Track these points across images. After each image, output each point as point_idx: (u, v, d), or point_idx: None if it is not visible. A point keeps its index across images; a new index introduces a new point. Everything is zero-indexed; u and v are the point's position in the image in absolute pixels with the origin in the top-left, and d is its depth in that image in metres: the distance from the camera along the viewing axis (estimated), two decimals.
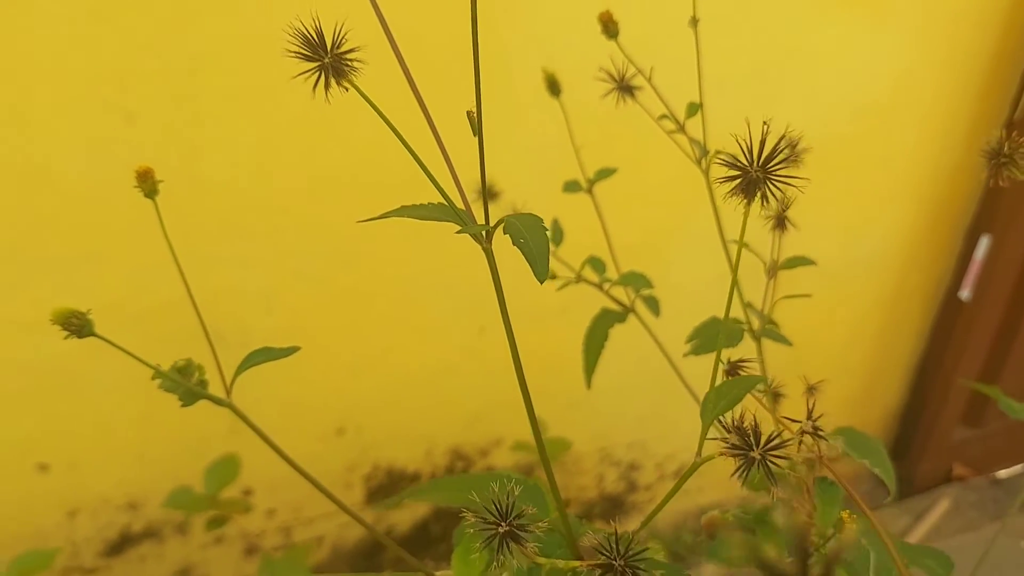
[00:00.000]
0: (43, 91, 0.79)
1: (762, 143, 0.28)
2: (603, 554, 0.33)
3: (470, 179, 0.39)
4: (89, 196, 0.85)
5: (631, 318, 0.50)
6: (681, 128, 0.40)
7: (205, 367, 0.49)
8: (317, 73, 0.32)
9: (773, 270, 0.44)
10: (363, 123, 0.93)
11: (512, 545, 0.32)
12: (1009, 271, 1.40)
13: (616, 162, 0.50)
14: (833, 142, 1.26)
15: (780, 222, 0.44)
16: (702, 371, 0.59)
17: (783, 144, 0.28)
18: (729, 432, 0.29)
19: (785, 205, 0.44)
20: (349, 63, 0.33)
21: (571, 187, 0.49)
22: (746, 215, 0.30)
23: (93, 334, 0.43)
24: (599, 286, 0.50)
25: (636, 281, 0.46)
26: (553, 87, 0.46)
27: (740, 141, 0.28)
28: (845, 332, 1.48)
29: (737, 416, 0.30)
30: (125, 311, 0.90)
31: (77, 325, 0.41)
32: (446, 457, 1.23)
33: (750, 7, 1.08)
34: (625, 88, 0.42)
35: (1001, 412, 1.61)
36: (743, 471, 0.29)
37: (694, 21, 0.43)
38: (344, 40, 0.33)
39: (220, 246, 0.93)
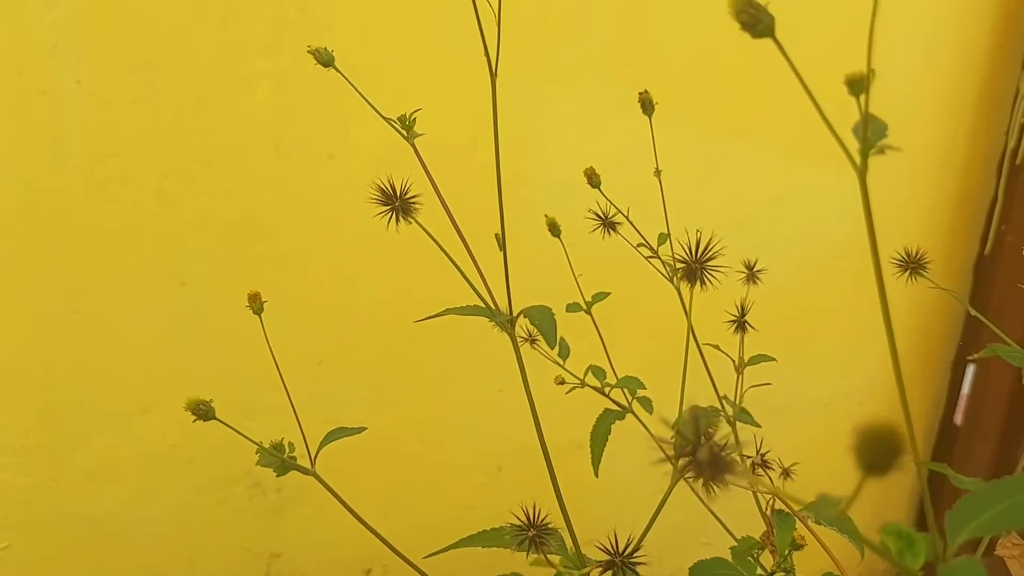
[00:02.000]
0: (115, 263, 0.90)
1: (697, 244, 0.39)
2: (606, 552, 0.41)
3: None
4: (150, 352, 0.95)
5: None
6: (655, 254, 0.51)
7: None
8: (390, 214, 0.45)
9: (740, 367, 0.54)
10: (391, 280, 1.04)
11: None
12: (998, 396, 1.47)
13: (611, 287, 0.60)
14: (824, 280, 1.36)
15: (741, 325, 0.54)
16: None
17: (712, 245, 0.39)
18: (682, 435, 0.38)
19: (744, 311, 0.54)
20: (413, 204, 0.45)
21: (573, 308, 0.58)
22: (690, 301, 0.40)
23: (215, 418, 0.52)
24: (600, 390, 0.59)
25: (631, 384, 0.55)
26: (554, 229, 0.57)
27: (682, 244, 0.39)
28: (848, 465, 1.54)
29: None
30: (180, 455, 0.99)
31: (204, 411, 0.51)
32: None
33: (731, 164, 1.20)
34: (609, 224, 0.53)
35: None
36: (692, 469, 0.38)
37: (658, 171, 0.54)
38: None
39: (256, 396, 1.02)
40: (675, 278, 0.51)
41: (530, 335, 0.57)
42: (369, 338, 1.07)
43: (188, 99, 0.90)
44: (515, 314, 0.49)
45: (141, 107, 0.88)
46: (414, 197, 0.49)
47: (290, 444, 0.55)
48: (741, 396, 0.56)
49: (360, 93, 0.53)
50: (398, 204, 0.48)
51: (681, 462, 0.20)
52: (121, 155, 0.88)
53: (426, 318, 0.53)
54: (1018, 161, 1.31)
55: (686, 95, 1.14)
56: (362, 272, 1.03)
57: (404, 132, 0.51)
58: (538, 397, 0.59)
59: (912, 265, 0.54)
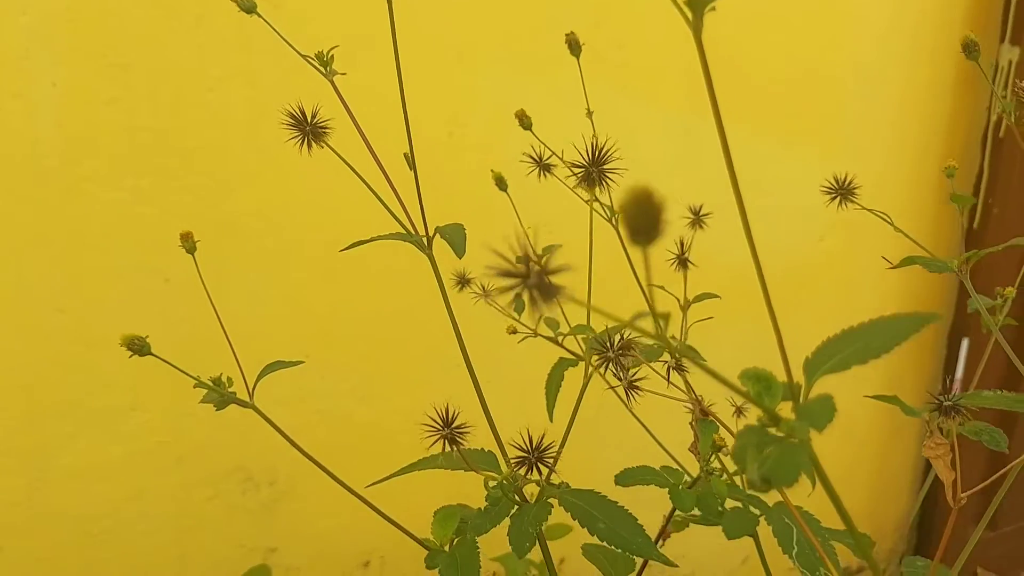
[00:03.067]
0: (98, 262, 0.91)
1: (593, 149, 0.41)
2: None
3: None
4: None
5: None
6: (596, 198, 0.52)
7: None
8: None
9: (685, 305, 0.55)
10: (374, 274, 1.05)
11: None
12: (993, 369, 1.47)
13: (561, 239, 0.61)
14: (808, 261, 1.37)
15: (682, 262, 0.55)
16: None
17: (608, 149, 0.41)
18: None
19: (684, 248, 0.55)
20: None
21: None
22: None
23: (152, 354, 0.57)
24: (554, 339, 0.60)
25: (584, 331, 0.56)
26: (500, 183, 0.58)
27: (579, 150, 0.41)
28: (850, 450, 1.54)
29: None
30: (169, 452, 0.99)
31: (138, 346, 0.51)
32: None
33: (712, 145, 1.21)
34: (544, 167, 0.54)
35: (1016, 513, 1.63)
36: (602, 366, 0.41)
37: (589, 113, 0.56)
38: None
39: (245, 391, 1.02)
40: (612, 219, 0.53)
41: (479, 288, 0.59)
42: (354, 331, 1.07)
43: (164, 99, 0.90)
44: (431, 234, 0.52)
45: (117, 107, 0.89)
46: (324, 122, 0.51)
47: (228, 379, 0.55)
48: (686, 333, 0.57)
49: (277, 31, 0.55)
50: (308, 129, 0.50)
51: (507, 283, 0.21)
52: (98, 156, 0.89)
53: (350, 246, 0.58)
54: (1001, 134, 1.32)
55: (664, 76, 1.15)
56: (344, 267, 1.03)
57: (322, 69, 0.52)
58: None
59: (841, 192, 0.55)
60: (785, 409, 0.27)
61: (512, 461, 0.45)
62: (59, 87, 0.86)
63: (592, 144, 0.43)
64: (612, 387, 0.48)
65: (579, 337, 0.58)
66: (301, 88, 0.96)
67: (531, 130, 0.57)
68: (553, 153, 0.51)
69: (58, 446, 0.95)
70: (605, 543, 0.47)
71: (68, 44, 0.85)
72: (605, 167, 0.43)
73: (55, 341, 0.92)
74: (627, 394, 0.46)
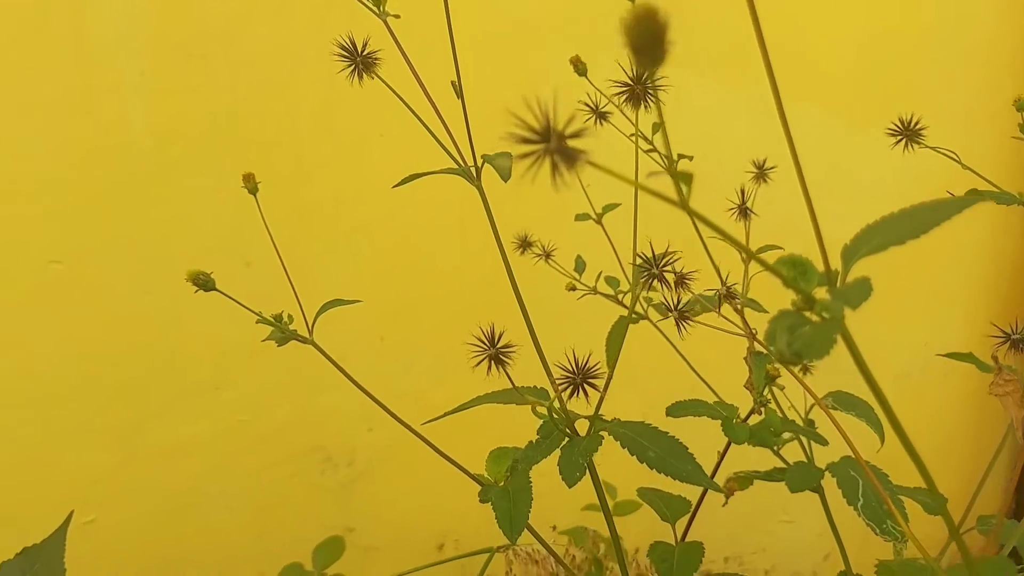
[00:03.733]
0: (182, 245, 0.95)
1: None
2: (565, 372, 0.42)
3: None
4: (219, 331, 0.99)
5: None
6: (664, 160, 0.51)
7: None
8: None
9: (747, 258, 0.54)
10: (447, 255, 1.06)
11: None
12: None
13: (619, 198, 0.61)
14: (892, 251, 1.33)
15: (743, 212, 0.54)
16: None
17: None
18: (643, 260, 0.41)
19: (744, 197, 0.54)
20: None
21: (581, 217, 0.59)
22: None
23: (216, 289, 0.59)
24: (615, 297, 0.60)
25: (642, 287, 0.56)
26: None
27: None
28: (936, 440, 1.49)
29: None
30: (250, 431, 1.03)
31: (203, 281, 0.52)
32: None
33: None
34: (600, 115, 0.53)
35: None
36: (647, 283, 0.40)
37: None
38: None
39: (323, 371, 1.05)
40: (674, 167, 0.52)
41: (530, 245, 0.59)
42: (429, 312, 1.09)
43: (242, 88, 0.93)
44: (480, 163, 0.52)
45: (199, 95, 0.92)
46: (375, 53, 0.52)
47: (289, 316, 0.57)
48: (747, 285, 0.56)
49: None
50: (359, 60, 0.51)
51: (528, 149, 0.21)
52: (183, 143, 0.93)
53: (402, 181, 0.59)
54: None
55: (736, 59, 1.13)
56: (417, 248, 1.05)
57: (375, 9, 0.54)
58: None
59: (907, 133, 0.53)
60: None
61: (557, 382, 0.45)
62: (147, 76, 0.89)
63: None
64: (655, 322, 0.48)
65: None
66: (379, 73, 0.98)
67: (586, 76, 0.56)
68: (609, 100, 0.51)
69: (145, 424, 0.99)
70: (656, 470, 0.47)
71: (152, 36, 0.89)
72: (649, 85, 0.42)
73: (142, 321, 0.96)
74: (678, 326, 0.45)
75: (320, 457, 1.09)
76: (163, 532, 1.03)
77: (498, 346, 0.44)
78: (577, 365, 0.43)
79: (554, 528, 1.01)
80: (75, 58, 0.87)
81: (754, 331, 0.54)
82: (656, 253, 0.41)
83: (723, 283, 0.49)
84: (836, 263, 0.26)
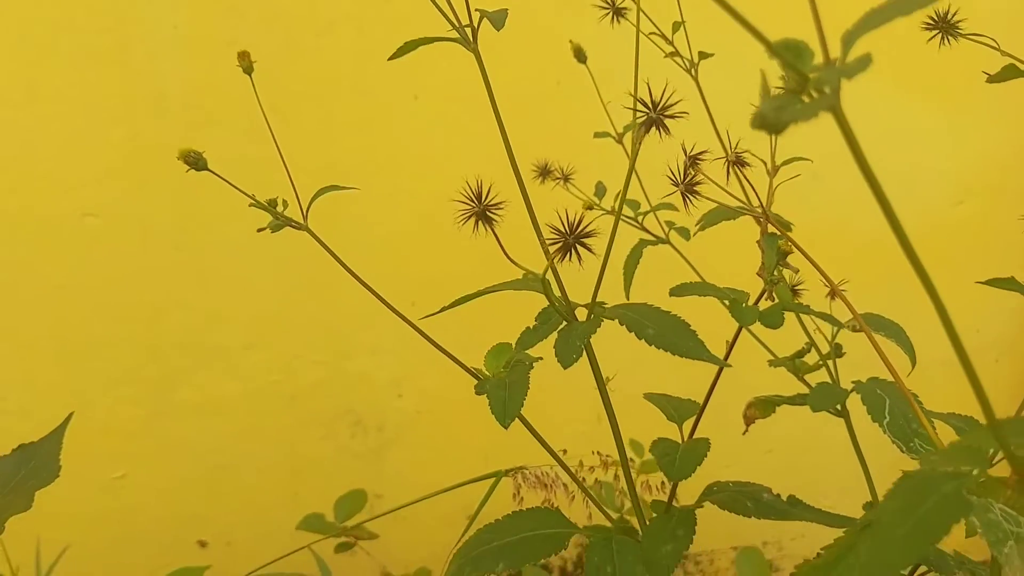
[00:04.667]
0: (212, 201, 0.95)
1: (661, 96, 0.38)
2: (556, 232, 0.40)
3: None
4: (252, 291, 0.99)
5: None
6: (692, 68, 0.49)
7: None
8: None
9: (773, 170, 0.52)
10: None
11: None
12: None
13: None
14: (943, 225, 1.29)
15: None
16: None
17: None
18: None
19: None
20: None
21: (600, 135, 0.58)
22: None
23: (208, 169, 0.59)
24: (633, 219, 0.58)
25: (662, 207, 0.54)
26: (579, 54, 0.56)
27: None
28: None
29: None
30: (282, 391, 1.03)
31: (194, 159, 0.52)
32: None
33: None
34: (616, 11, 0.51)
35: None
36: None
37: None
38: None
39: (354, 336, 1.04)
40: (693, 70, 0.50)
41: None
42: (459, 280, 1.08)
43: (276, 42, 0.93)
44: (476, 23, 0.50)
45: (232, 50, 0.92)
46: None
47: (284, 201, 0.56)
48: (772, 197, 0.54)
49: None
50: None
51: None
52: (216, 96, 0.93)
53: (396, 54, 0.56)
54: None
55: (776, 23, 1.10)
56: (448, 212, 1.04)
57: None
58: None
59: (943, 25, 0.50)
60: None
61: (547, 242, 0.43)
62: (180, 30, 0.90)
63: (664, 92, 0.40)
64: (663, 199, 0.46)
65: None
66: (409, 33, 0.97)
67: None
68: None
69: (177, 379, 0.99)
70: (655, 346, 0.45)
71: None
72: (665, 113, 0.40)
73: (174, 278, 0.96)
74: (684, 198, 0.43)
75: (351, 420, 1.09)
76: (193, 491, 1.04)
77: (485, 202, 0.42)
78: (569, 224, 0.41)
79: (564, 452, 1.00)
80: (110, 11, 0.88)
81: (764, 206, 0.52)
82: (655, 98, 0.38)
83: (731, 149, 0.46)
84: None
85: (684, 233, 0.56)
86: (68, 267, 0.93)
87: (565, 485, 0.72)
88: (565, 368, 0.46)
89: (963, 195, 1.28)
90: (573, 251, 0.41)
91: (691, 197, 0.43)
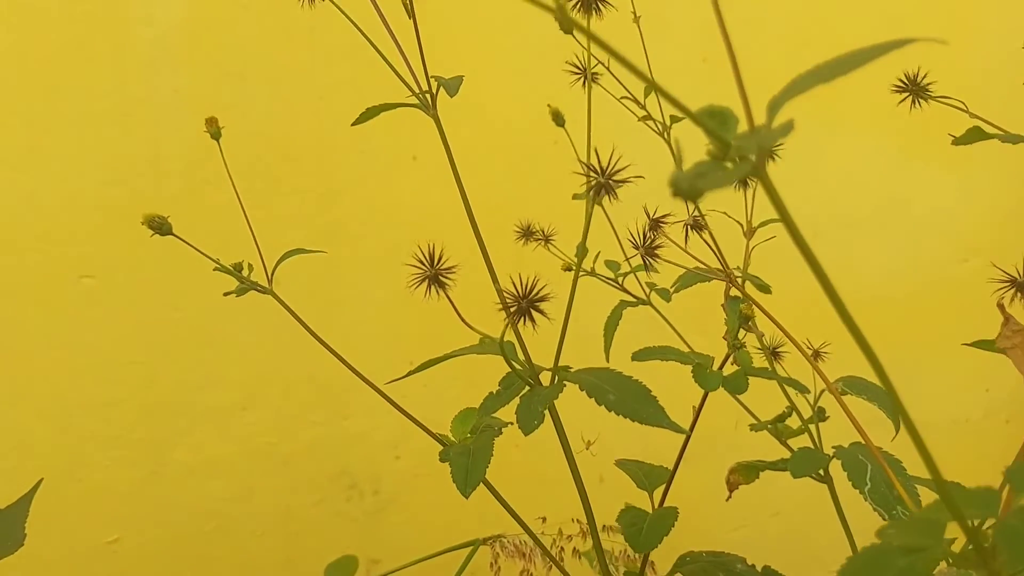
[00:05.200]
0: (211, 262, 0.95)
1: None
2: (511, 295, 0.39)
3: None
4: (247, 351, 0.99)
5: None
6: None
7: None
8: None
9: (749, 232, 0.51)
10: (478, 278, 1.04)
11: None
12: None
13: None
14: (949, 284, 1.27)
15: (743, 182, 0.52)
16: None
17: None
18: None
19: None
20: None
21: (579, 196, 0.57)
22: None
23: (172, 234, 0.61)
24: (614, 280, 0.57)
25: (641, 268, 0.53)
26: (557, 118, 0.56)
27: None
28: (995, 483, 1.41)
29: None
30: (277, 453, 1.02)
31: (158, 224, 0.52)
32: None
33: (835, 159, 1.15)
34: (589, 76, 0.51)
35: None
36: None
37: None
38: None
39: (350, 396, 1.04)
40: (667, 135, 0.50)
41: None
42: (458, 338, 1.07)
43: (276, 106, 0.94)
44: (434, 90, 0.50)
45: (232, 113, 0.93)
46: None
47: (249, 265, 0.56)
48: (748, 259, 0.53)
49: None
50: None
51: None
52: (215, 159, 0.93)
53: (359, 119, 0.59)
54: None
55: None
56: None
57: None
58: None
59: (914, 88, 0.50)
60: None
61: (503, 307, 0.42)
62: (180, 94, 0.91)
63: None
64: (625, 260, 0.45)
65: None
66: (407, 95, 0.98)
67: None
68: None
69: (173, 441, 0.98)
70: (615, 413, 0.44)
71: (188, 53, 0.91)
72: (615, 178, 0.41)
73: (172, 338, 0.96)
74: (644, 261, 0.42)
75: (346, 483, 1.07)
76: (187, 554, 1.02)
77: (438, 266, 0.42)
78: (523, 288, 0.41)
79: (543, 520, 0.98)
80: (112, 75, 0.89)
81: (729, 269, 0.51)
82: (603, 162, 0.38)
83: (689, 213, 0.46)
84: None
85: (664, 294, 0.55)
86: (63, 328, 0.93)
87: (545, 552, 0.70)
88: (526, 435, 0.45)
89: (968, 253, 1.27)
90: (527, 315, 0.41)
91: (651, 260, 0.43)
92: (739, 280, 0.51)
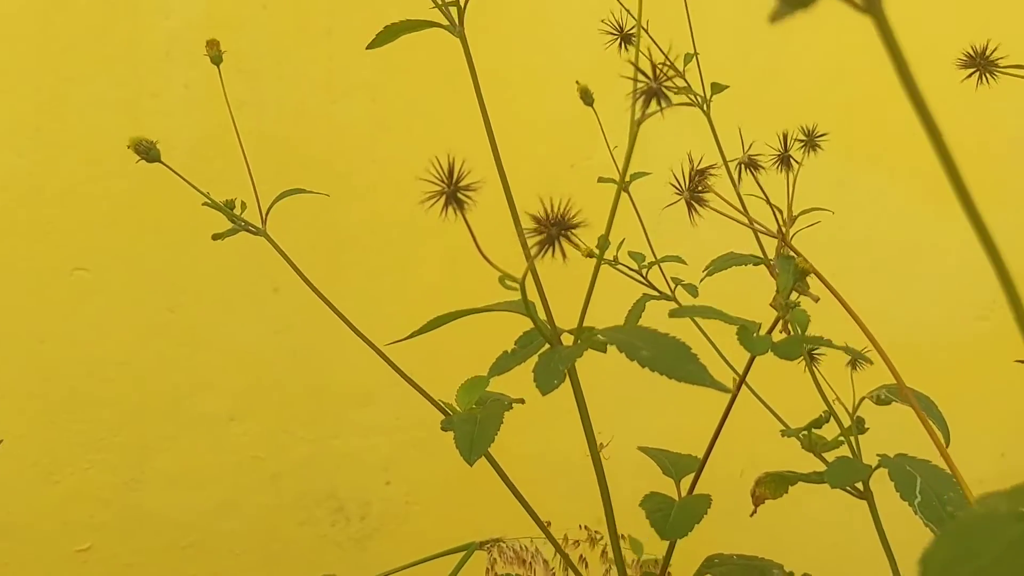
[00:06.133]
0: (211, 264, 0.92)
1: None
2: (538, 222, 0.34)
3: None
4: (243, 359, 0.95)
5: None
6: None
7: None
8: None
9: (789, 220, 0.48)
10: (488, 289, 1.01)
11: None
12: None
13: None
14: (967, 342, 1.24)
15: (784, 160, 0.49)
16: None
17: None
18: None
19: (787, 142, 0.48)
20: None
21: (604, 180, 0.53)
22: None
23: (159, 160, 0.58)
24: (638, 271, 0.53)
25: (670, 260, 0.50)
26: (585, 96, 0.53)
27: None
28: None
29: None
30: (264, 468, 0.97)
31: (146, 148, 0.55)
32: None
33: (862, 203, 1.12)
34: (624, 38, 0.48)
35: None
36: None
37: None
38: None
39: (344, 414, 1.00)
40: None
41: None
42: (468, 351, 1.03)
43: (289, 107, 0.92)
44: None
45: (244, 111, 0.91)
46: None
47: (242, 203, 0.53)
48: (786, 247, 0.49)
49: None
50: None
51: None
52: (224, 157, 0.91)
53: (373, 43, 0.52)
54: None
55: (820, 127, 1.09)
56: (457, 284, 1.00)
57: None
58: None
59: (981, 63, 0.45)
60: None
61: (526, 233, 0.37)
62: (191, 89, 0.89)
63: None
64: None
65: None
66: (423, 106, 0.96)
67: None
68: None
69: (156, 447, 0.94)
70: (651, 369, 0.39)
71: (203, 48, 0.89)
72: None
73: (164, 340, 0.93)
74: (689, 209, 0.38)
75: (333, 506, 1.03)
76: (161, 569, 0.97)
77: (457, 183, 0.37)
78: (552, 213, 0.36)
79: (548, 524, 0.93)
80: (126, 65, 0.87)
81: (783, 219, 0.47)
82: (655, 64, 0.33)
83: (744, 151, 0.42)
84: None
85: (692, 290, 0.52)
86: (52, 321, 0.90)
87: (546, 561, 0.65)
88: (544, 394, 0.41)
89: (987, 311, 1.23)
90: (556, 244, 0.36)
91: (697, 206, 0.39)
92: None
